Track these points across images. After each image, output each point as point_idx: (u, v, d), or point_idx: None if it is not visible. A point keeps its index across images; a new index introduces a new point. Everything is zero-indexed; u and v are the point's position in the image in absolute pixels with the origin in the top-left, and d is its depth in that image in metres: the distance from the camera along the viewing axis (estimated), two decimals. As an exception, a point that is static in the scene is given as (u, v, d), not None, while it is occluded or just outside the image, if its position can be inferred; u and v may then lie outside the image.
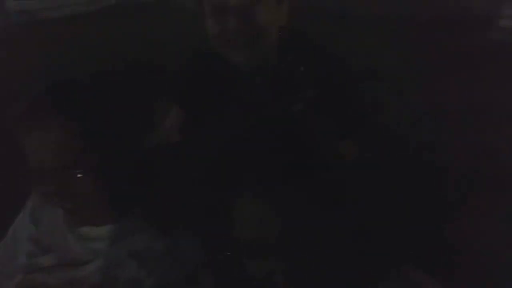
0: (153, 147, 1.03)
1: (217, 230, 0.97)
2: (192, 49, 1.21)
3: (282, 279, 0.95)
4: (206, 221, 0.97)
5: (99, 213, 0.92)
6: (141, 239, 0.91)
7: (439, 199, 1.21)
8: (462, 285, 1.06)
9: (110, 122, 0.88)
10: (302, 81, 1.03)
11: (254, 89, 1.07)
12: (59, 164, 0.83)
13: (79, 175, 0.84)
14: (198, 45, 1.16)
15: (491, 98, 1.58)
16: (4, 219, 1.03)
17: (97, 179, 0.86)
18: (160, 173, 0.99)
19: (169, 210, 0.95)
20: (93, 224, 0.94)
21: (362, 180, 1.03)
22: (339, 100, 1.05)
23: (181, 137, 1.20)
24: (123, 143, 0.90)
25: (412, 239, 1.05)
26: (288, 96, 1.03)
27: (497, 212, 1.21)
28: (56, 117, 0.83)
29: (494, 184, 1.29)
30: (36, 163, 0.84)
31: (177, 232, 0.93)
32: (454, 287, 1.04)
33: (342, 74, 1.09)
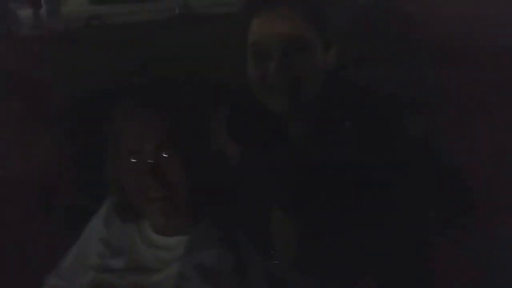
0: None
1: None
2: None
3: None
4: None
5: (172, 224, 0.95)
6: (209, 254, 0.93)
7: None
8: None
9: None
10: (344, 135, 0.99)
11: (293, 134, 1.04)
12: (151, 144, 0.89)
13: (165, 155, 0.90)
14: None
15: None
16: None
17: (181, 160, 0.91)
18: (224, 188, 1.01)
19: (236, 228, 0.97)
20: (165, 234, 0.97)
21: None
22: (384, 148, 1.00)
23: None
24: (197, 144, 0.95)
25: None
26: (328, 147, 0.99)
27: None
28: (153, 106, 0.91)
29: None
30: (130, 147, 0.91)
31: (243, 250, 0.94)
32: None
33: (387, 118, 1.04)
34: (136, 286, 0.93)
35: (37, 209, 1.38)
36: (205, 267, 0.91)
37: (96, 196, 1.12)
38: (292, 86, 0.97)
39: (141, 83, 1.02)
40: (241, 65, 1.04)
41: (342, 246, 0.94)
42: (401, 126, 1.04)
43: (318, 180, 0.96)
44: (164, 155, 0.90)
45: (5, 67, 1.49)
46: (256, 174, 1.01)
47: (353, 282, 0.98)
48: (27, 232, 1.35)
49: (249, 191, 1.00)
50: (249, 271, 0.92)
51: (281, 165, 0.99)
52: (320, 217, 0.95)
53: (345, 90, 1.03)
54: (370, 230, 0.92)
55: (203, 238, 0.95)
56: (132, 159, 0.91)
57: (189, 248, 0.94)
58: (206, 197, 0.97)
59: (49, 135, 1.44)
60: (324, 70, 1.00)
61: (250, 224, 0.97)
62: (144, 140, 0.90)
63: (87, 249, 1.04)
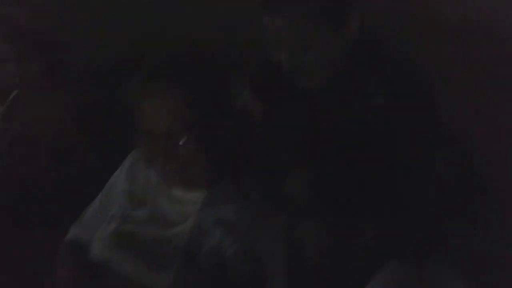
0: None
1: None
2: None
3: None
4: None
5: (193, 179, 0.98)
6: (228, 209, 0.97)
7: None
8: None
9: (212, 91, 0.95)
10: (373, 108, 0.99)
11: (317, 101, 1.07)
12: (167, 130, 0.90)
13: (181, 142, 0.91)
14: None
15: None
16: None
17: (198, 147, 0.92)
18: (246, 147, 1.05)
19: (256, 184, 1.01)
20: (187, 189, 1.00)
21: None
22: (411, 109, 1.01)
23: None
24: (223, 112, 0.97)
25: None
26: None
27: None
28: (171, 86, 0.91)
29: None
30: (145, 126, 0.92)
31: (262, 207, 0.98)
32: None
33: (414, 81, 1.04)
34: (156, 237, 0.97)
35: (52, 167, 1.44)
36: (224, 221, 0.95)
37: (109, 159, 1.17)
38: (306, 74, 1.02)
39: (156, 56, 0.99)
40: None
41: (355, 207, 0.98)
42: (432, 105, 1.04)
43: (339, 144, 1.00)
44: (179, 139, 0.90)
45: (28, 27, 1.52)
46: (278, 133, 1.06)
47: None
48: (42, 187, 1.42)
49: (269, 149, 1.05)
50: (265, 227, 0.96)
51: (304, 125, 1.03)
52: (336, 179, 0.99)
53: (373, 61, 1.03)
54: (388, 200, 0.96)
55: (222, 194, 0.99)
56: (146, 136, 0.92)
57: (209, 203, 0.98)
58: (227, 158, 1.01)
59: (68, 97, 1.49)
60: (346, 43, 1.02)
61: (267, 183, 1.02)
62: (157, 123, 0.90)
63: (109, 201, 1.08)
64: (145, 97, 0.91)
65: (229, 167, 1.03)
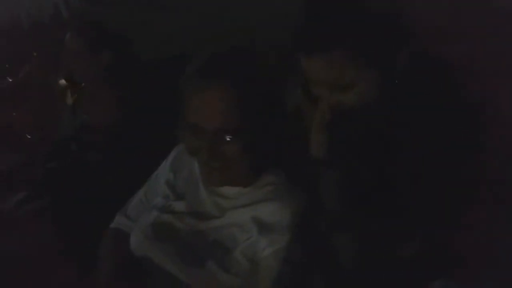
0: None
1: None
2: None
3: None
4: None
5: (235, 175, 0.96)
6: (267, 208, 0.94)
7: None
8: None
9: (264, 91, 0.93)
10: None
11: None
12: (214, 126, 0.89)
13: (228, 138, 0.90)
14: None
15: None
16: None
17: (243, 144, 0.90)
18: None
19: (295, 185, 0.97)
20: (227, 184, 0.99)
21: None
22: None
23: None
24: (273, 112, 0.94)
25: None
26: None
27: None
28: (223, 82, 0.89)
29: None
30: (192, 120, 0.91)
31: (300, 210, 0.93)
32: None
33: None
34: (193, 229, 0.98)
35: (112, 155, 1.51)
36: (261, 220, 0.93)
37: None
38: (348, 111, 0.91)
39: (209, 54, 0.96)
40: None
41: (398, 214, 0.91)
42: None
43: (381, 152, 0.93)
44: (226, 137, 0.89)
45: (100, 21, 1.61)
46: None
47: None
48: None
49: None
50: (302, 229, 0.92)
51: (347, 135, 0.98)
52: (379, 185, 0.92)
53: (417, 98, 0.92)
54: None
55: (261, 191, 0.97)
56: (193, 130, 0.91)
57: (248, 199, 0.97)
58: (271, 157, 0.99)
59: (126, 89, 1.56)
60: (391, 82, 0.91)
61: (307, 186, 0.96)
62: (206, 119, 0.89)
63: (153, 191, 1.10)
64: (196, 91, 0.90)
65: (272, 166, 1.00)
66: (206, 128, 0.89)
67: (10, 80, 2.09)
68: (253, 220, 0.94)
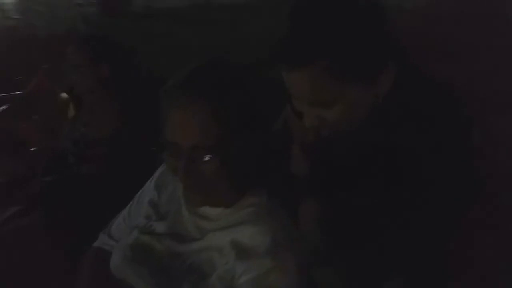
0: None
1: None
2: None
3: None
4: None
5: (215, 196, 0.92)
6: (247, 231, 0.90)
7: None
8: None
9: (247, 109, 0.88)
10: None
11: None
12: (190, 143, 0.85)
13: (207, 158, 0.86)
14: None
15: None
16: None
17: (222, 162, 0.86)
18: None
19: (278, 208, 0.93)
20: (209, 205, 0.95)
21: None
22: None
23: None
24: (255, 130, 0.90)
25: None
26: None
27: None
28: (197, 97, 0.85)
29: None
30: (170, 137, 0.87)
31: (281, 235, 0.89)
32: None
33: None
34: (172, 251, 0.94)
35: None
36: (240, 244, 0.89)
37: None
38: (330, 127, 0.88)
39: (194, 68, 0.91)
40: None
41: (371, 241, 0.85)
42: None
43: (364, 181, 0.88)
44: (203, 155, 0.85)
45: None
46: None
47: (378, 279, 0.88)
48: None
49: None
50: (279, 258, 0.87)
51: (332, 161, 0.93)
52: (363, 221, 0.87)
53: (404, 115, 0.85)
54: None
55: (243, 214, 0.93)
56: (171, 148, 0.87)
57: (229, 221, 0.93)
58: (253, 177, 0.94)
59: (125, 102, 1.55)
60: (375, 100, 0.86)
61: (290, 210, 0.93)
62: (182, 136, 0.85)
63: (136, 210, 1.08)
64: (172, 107, 0.87)
65: (254, 186, 0.96)
66: (182, 145, 0.86)
67: (21, 92, 2.12)
68: (232, 244, 0.90)
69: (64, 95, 1.71)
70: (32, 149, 1.79)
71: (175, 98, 0.87)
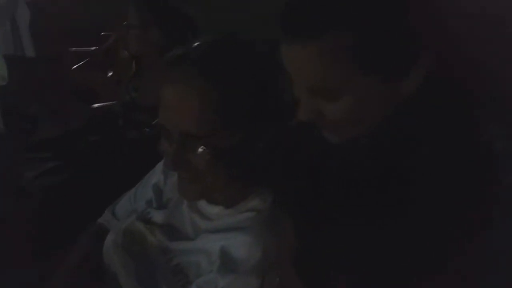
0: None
1: None
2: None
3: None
4: None
5: (213, 190, 0.81)
6: (239, 239, 0.78)
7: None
8: None
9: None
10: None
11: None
12: (180, 129, 0.73)
13: (201, 149, 0.73)
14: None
15: None
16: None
17: (217, 154, 0.73)
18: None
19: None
20: (206, 199, 0.84)
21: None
22: None
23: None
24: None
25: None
26: None
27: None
28: (195, 74, 0.72)
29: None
30: (160, 121, 0.76)
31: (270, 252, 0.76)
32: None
33: None
34: (161, 246, 0.85)
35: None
36: (229, 253, 0.77)
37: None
38: (331, 128, 0.69)
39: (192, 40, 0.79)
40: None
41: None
42: None
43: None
44: (196, 145, 0.73)
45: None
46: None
47: None
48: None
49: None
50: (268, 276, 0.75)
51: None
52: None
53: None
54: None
55: (241, 218, 0.80)
56: (163, 133, 0.76)
57: (224, 224, 0.81)
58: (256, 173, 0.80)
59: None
60: (395, 101, 0.64)
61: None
62: (171, 120, 0.74)
63: (142, 192, 1.00)
64: (166, 83, 0.75)
65: (260, 186, 0.82)
66: (172, 131, 0.74)
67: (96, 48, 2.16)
68: (221, 251, 0.78)
69: (126, 53, 1.69)
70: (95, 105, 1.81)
71: (170, 72, 0.75)
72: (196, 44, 0.78)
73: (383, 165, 0.65)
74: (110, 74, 2.08)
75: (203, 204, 0.86)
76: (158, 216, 0.90)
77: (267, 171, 0.79)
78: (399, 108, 0.64)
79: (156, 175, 0.98)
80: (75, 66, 2.18)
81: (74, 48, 2.21)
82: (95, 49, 2.18)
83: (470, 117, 0.63)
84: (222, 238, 0.79)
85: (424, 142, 0.62)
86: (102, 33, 2.41)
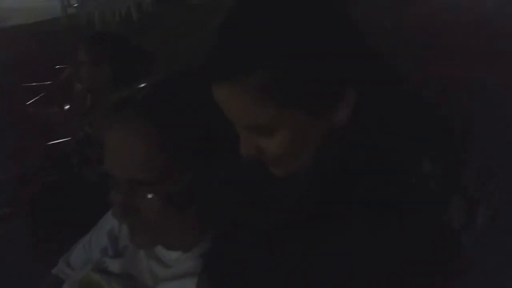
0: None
1: None
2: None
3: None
4: None
5: (166, 236, 0.77)
6: (192, 285, 0.74)
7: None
8: None
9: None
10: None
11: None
12: (126, 176, 0.70)
13: (149, 196, 0.70)
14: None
15: None
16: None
17: (168, 199, 0.70)
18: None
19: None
20: (162, 245, 0.81)
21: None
22: None
23: None
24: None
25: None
26: None
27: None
28: (138, 118, 0.69)
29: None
30: (106, 167, 0.72)
31: None
32: None
33: None
34: None
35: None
36: None
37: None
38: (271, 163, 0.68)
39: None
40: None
41: None
42: None
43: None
44: (144, 192, 0.69)
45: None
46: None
47: None
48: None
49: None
50: None
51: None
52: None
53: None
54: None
55: (197, 262, 0.76)
56: (110, 181, 0.72)
57: (182, 270, 0.77)
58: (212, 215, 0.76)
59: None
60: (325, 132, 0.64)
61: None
62: (115, 166, 0.70)
63: (97, 238, 0.94)
64: (109, 128, 0.71)
65: (218, 227, 0.78)
66: (118, 179, 0.70)
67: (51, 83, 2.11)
68: None
69: (79, 87, 1.65)
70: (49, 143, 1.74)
71: (113, 117, 0.71)
72: (138, 86, 0.75)
73: (320, 200, 0.64)
74: (67, 107, 2.04)
75: (161, 250, 0.82)
76: (114, 266, 0.85)
77: (222, 212, 0.76)
78: (335, 140, 0.63)
79: (111, 220, 0.93)
80: (30, 101, 2.12)
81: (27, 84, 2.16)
82: (50, 83, 2.13)
83: (402, 153, 0.62)
84: (180, 286, 0.76)
85: (359, 177, 0.61)
86: (57, 66, 2.37)
